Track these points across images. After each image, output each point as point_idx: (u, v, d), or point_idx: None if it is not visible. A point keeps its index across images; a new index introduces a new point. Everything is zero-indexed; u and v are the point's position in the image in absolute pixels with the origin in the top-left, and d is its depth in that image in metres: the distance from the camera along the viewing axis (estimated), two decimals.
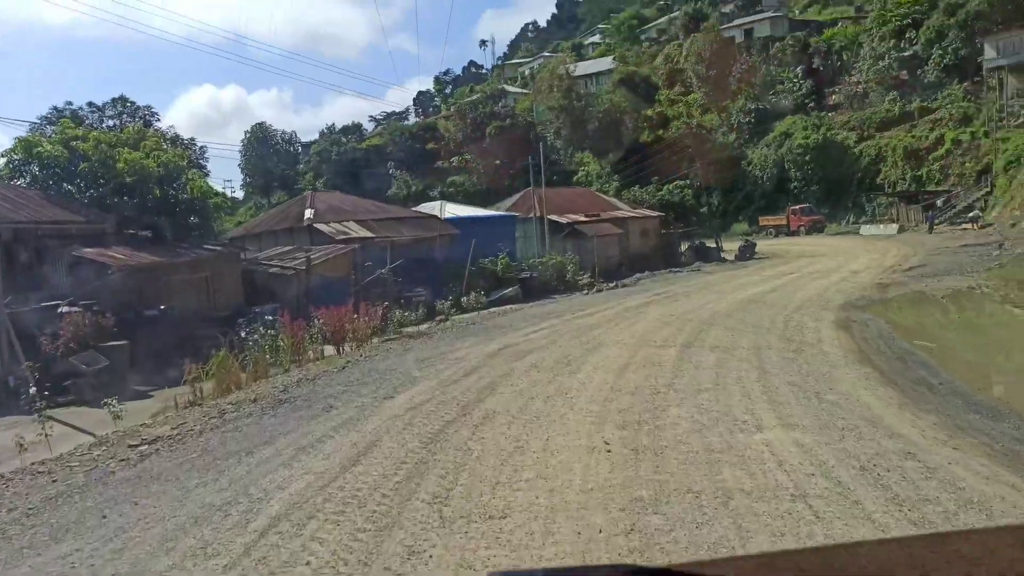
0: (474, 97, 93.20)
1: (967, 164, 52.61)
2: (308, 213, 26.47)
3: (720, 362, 12.15)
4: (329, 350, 17.61)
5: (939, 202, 50.18)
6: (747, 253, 39.22)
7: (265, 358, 15.43)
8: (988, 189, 48.08)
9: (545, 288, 30.31)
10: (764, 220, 61.22)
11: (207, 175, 31.09)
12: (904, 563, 1.23)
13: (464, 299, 24.55)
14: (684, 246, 40.79)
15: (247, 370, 14.89)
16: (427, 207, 35.21)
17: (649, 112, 78.96)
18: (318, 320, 17.46)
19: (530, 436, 8.27)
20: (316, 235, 25.80)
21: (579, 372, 11.79)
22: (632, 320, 17.64)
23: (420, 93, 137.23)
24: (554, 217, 35.27)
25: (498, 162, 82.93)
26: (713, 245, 41.02)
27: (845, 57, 69.47)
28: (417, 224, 29.83)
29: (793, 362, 12.09)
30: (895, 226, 49.69)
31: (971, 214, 41.24)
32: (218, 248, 22.26)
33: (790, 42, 72.83)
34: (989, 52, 53.86)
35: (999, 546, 1.34)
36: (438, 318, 22.76)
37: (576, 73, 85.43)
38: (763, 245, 42.41)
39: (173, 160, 22.74)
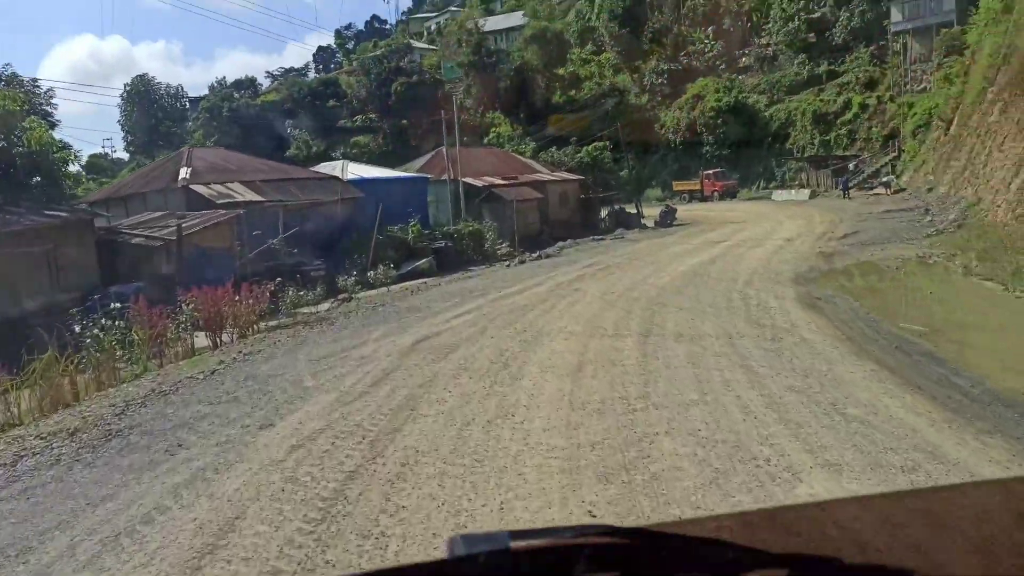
0: (378, 52, 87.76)
1: (873, 129, 52.90)
2: (183, 172, 22.45)
3: (693, 358, 9.76)
4: (204, 341, 14.24)
5: (851, 167, 50.21)
6: (668, 219, 37.55)
7: (114, 357, 11.99)
8: (896, 154, 48.38)
9: (462, 258, 27.47)
10: (678, 185, 60.15)
11: (55, 124, 26.12)
12: (878, 519, 1.26)
13: (371, 273, 21.40)
14: (604, 212, 38.71)
15: (88, 374, 11.46)
16: (327, 167, 31.39)
17: (561, 71, 76.35)
18: (187, 304, 14.02)
19: (473, 501, 5.53)
20: (193, 198, 21.89)
21: (523, 377, 9.10)
22: (570, 299, 15.09)
23: (320, 48, 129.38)
24: (469, 180, 32.29)
25: (405, 122, 78.61)
26: (633, 211, 39.14)
27: (755, 18, 68.87)
28: (316, 187, 26.20)
29: (779, 356, 9.83)
30: (806, 191, 49.43)
31: (884, 179, 41.06)
32: (63, 214, 18.13)
33: (701, 1, 71.53)
34: (895, 15, 54.00)
35: (973, 502, 1.37)
36: (340, 297, 19.58)
37: (486, 28, 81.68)
38: (681, 211, 40.86)
39: (3, 104, 18.26)
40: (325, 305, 19.00)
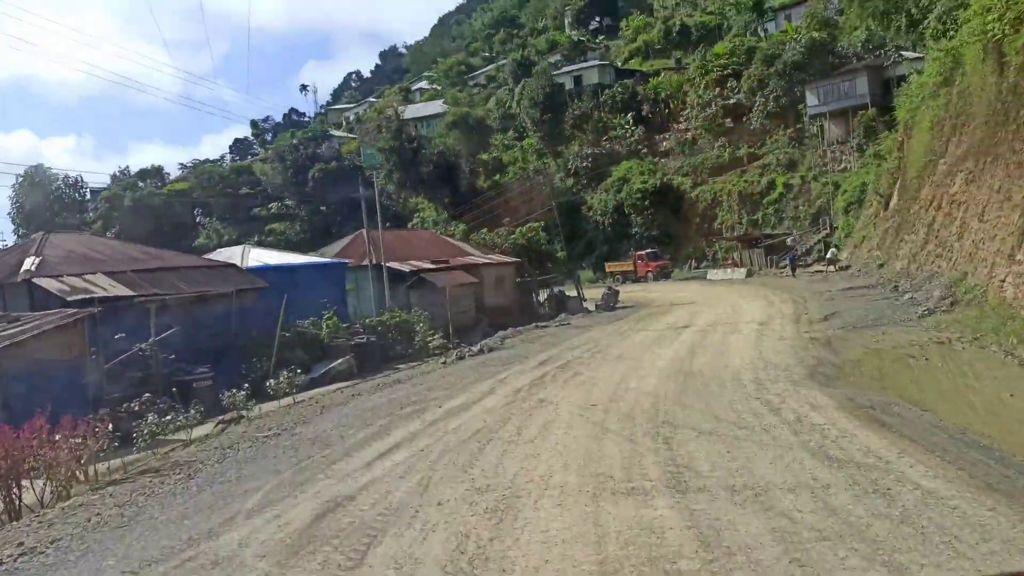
0: (295, 140, 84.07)
1: (800, 207, 52.16)
2: (28, 263, 17.41)
3: (786, 542, 5.66)
4: None
5: (791, 244, 48.77)
6: (611, 302, 34.21)
7: None
8: (827, 231, 47.31)
9: (388, 355, 22.95)
10: (611, 266, 57.64)
11: None
12: None
13: (271, 382, 16.61)
14: (543, 296, 35.08)
15: None
16: (225, 254, 26.61)
17: (484, 156, 74.38)
18: None
19: None
20: (39, 296, 16.80)
21: None
22: (539, 418, 10.86)
23: (237, 140, 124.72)
24: (395, 265, 28.11)
25: (323, 208, 74.36)
26: (573, 293, 35.66)
27: (672, 105, 69.12)
28: (208, 276, 21.40)
29: (920, 536, 5.85)
30: (742, 270, 47.52)
31: (829, 255, 39.27)
32: None
33: (619, 89, 71.55)
34: (811, 99, 54.36)
35: None
36: (227, 417, 14.72)
37: (405, 116, 79.47)
38: (627, 294, 37.75)
39: None
40: (205, 429, 14.09)
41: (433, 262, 29.40)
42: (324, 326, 21.23)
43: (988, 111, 22.29)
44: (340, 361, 20.19)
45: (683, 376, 13.67)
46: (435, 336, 24.81)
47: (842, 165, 53.07)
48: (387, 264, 26.64)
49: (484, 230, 40.62)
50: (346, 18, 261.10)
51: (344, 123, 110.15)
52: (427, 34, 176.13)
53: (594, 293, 41.94)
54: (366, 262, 28.08)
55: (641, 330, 22.95)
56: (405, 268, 27.61)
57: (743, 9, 77.90)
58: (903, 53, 51.15)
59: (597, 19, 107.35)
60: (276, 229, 73.59)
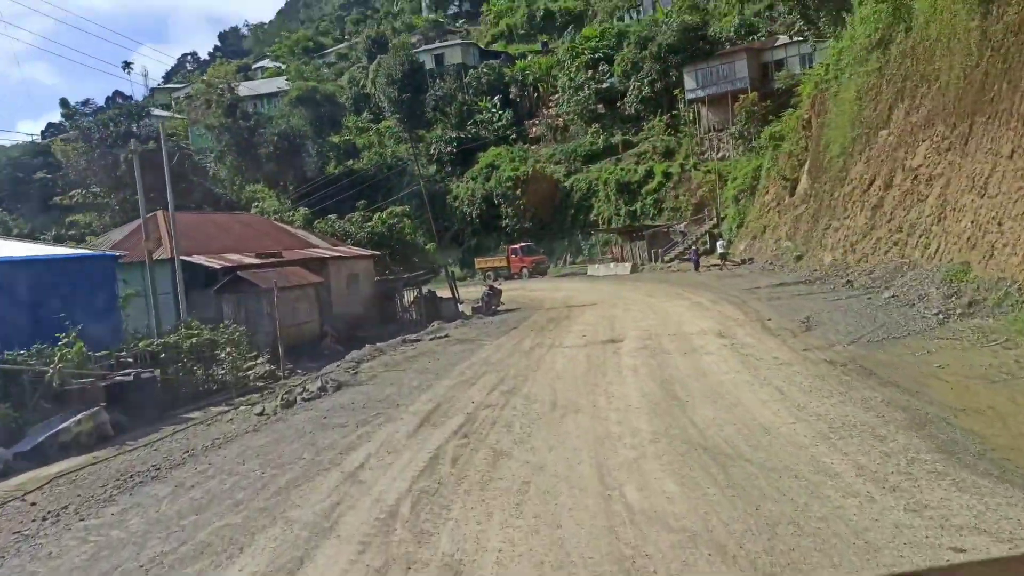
0: (106, 115, 70.38)
1: (681, 197, 48.15)
2: None
3: None
4: None
5: (685, 235, 44.28)
6: (492, 304, 27.49)
7: None
8: (714, 221, 43.37)
9: (176, 395, 14.72)
10: (481, 262, 51.03)
11: None
12: None
13: None
14: (410, 297, 27.67)
15: None
16: None
17: (336, 138, 65.31)
18: None
19: None
20: None
21: None
22: None
23: (51, 125, 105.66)
24: (201, 259, 19.69)
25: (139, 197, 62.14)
26: (447, 295, 28.56)
27: (542, 89, 63.68)
28: None
29: None
30: (627, 264, 42.51)
31: (720, 248, 34.69)
32: None
33: (484, 70, 65.16)
34: (689, 83, 50.46)
35: None
36: None
37: (243, 93, 68.58)
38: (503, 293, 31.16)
39: None
40: None
41: (260, 255, 21.24)
42: (58, 356, 12.74)
43: (969, 62, 17.60)
44: (79, 418, 11.85)
45: (710, 466, 7.01)
46: (258, 359, 16.84)
47: (720, 153, 49.73)
48: (187, 258, 18.21)
49: (333, 216, 32.30)
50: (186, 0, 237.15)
51: (174, 104, 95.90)
52: (273, 17, 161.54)
53: (467, 293, 35.11)
54: (162, 255, 19.49)
55: (553, 346, 16.27)
56: (215, 264, 19.26)
57: None
58: (780, 37, 48.57)
59: (456, 3, 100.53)
60: (80, 221, 60.47)
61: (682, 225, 44.49)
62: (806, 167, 30.87)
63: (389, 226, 28.96)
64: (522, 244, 49.21)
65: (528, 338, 18.28)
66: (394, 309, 26.19)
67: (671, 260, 42.24)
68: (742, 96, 46.37)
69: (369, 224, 29.14)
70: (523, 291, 36.33)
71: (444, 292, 30.36)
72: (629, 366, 12.59)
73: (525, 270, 47.33)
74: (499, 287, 28.43)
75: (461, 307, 28.65)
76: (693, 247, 36.82)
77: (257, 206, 61.63)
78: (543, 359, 14.56)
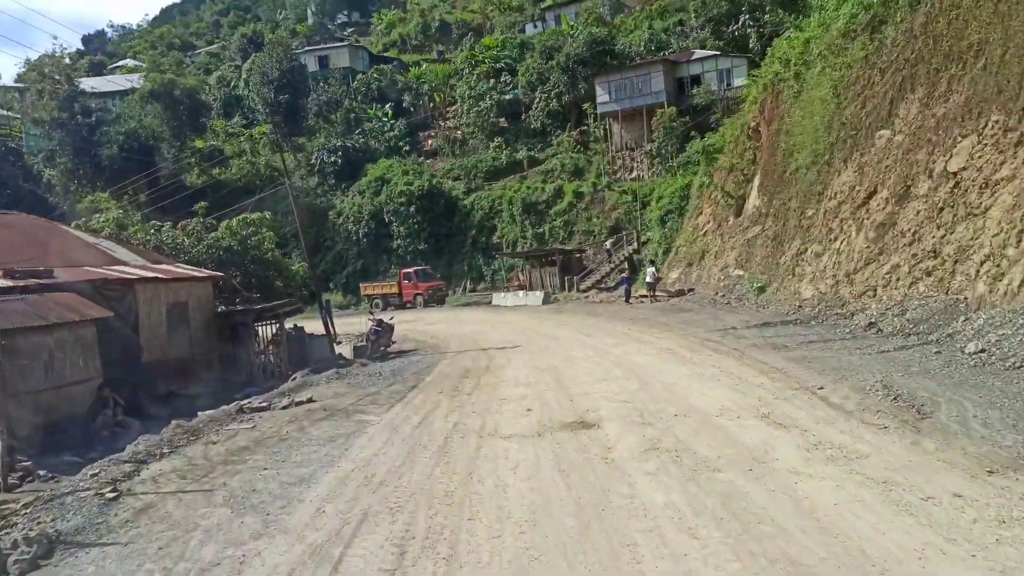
0: None
1: (594, 219, 42.86)
2: None
3: None
4: None
5: (606, 255, 38.58)
6: (382, 344, 20.43)
7: None
8: (634, 246, 38.15)
9: None
10: (368, 288, 43.44)
11: None
12: None
13: None
14: (266, 336, 20.01)
15: None
16: None
17: (199, 144, 55.82)
18: None
19: None
20: None
21: None
22: None
23: None
24: None
25: None
26: (322, 332, 21.15)
27: (438, 99, 57.30)
28: None
29: None
30: (538, 294, 36.39)
31: (648, 277, 29.02)
32: None
33: (375, 75, 58.04)
34: (601, 95, 45.56)
35: None
36: None
37: (87, 88, 57.85)
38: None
39: None
40: None
41: (7, 274, 13.23)
42: None
43: None
44: None
45: None
46: None
47: (634, 172, 45.08)
48: None
49: (165, 225, 23.73)
50: (49, 3, 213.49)
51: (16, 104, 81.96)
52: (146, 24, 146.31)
53: (350, 325, 27.75)
54: None
55: (485, 435, 9.53)
56: None
57: (507, 8, 69.40)
58: (696, 52, 44.80)
59: (345, 13, 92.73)
60: None
61: (609, 243, 38.99)
62: (755, 183, 25.98)
63: (241, 239, 21.30)
64: (417, 268, 42.16)
65: (438, 412, 11.40)
66: (244, 352, 18.54)
67: (588, 289, 36.56)
68: (659, 111, 41.96)
69: (214, 235, 21.35)
70: (420, 324, 29.35)
71: (318, 326, 22.89)
72: (667, 517, 6.04)
73: (420, 298, 40.26)
74: (390, 321, 21.33)
75: (339, 347, 21.36)
76: (624, 275, 30.99)
77: (99, 218, 51.24)
78: (475, 474, 7.77)
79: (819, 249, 19.52)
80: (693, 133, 40.04)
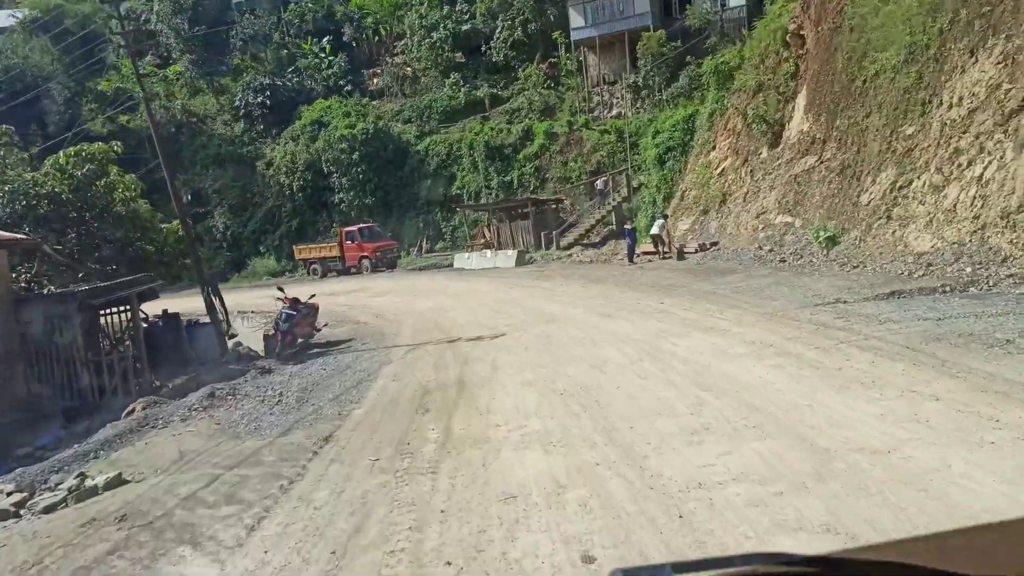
0: None
1: (571, 164, 36.05)
2: None
3: None
4: None
5: (599, 196, 31.84)
6: (299, 334, 13.60)
7: None
8: (623, 195, 31.52)
9: None
10: (303, 251, 35.99)
11: None
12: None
13: None
14: (114, 329, 12.94)
15: None
16: None
17: (104, 86, 46.84)
18: None
19: None
20: None
21: None
22: None
23: None
24: None
25: None
26: (208, 320, 14.12)
27: (384, 32, 49.09)
28: None
29: None
30: (511, 253, 29.62)
31: (655, 230, 22.25)
32: None
33: (310, 4, 49.44)
34: (575, 19, 38.25)
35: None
36: None
37: None
38: (323, 300, 17.27)
39: None
40: None
41: None
42: None
43: None
44: None
45: None
46: None
47: (615, 111, 38.31)
48: None
49: None
50: None
51: None
52: None
53: (265, 301, 20.74)
54: None
55: None
56: None
57: None
58: None
59: None
60: None
61: (600, 181, 32.33)
62: (799, 101, 19.51)
63: (75, 183, 13.88)
64: (361, 225, 34.84)
65: (360, 558, 4.73)
66: (63, 361, 11.49)
67: (570, 246, 29.99)
68: (644, 35, 35.03)
69: (27, 175, 13.87)
70: (362, 296, 22.46)
71: (211, 319, 15.76)
72: None
73: (366, 261, 33.09)
74: (312, 301, 14.43)
75: (237, 343, 14.39)
76: (626, 225, 23.93)
77: None
78: None
79: (938, 180, 13.17)
80: (689, 58, 33.36)
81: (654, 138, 28.27)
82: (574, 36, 38.28)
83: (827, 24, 18.40)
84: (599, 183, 32.10)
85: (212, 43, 44.74)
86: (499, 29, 42.25)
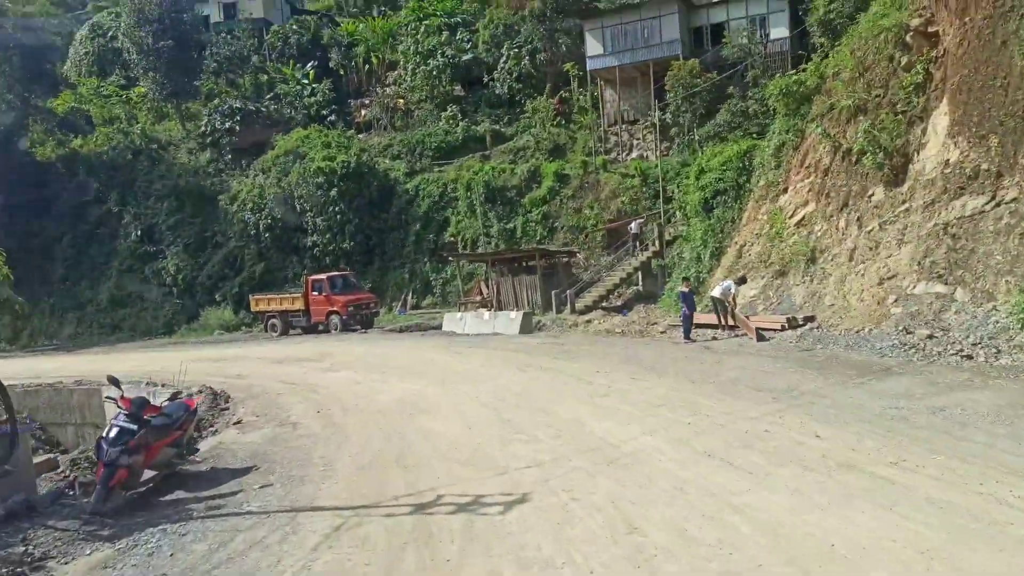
0: None
1: (586, 211, 30.26)
2: None
3: None
4: None
5: (633, 241, 25.72)
6: (133, 471, 7.24)
7: None
8: (656, 248, 25.55)
9: None
10: (259, 301, 29.52)
11: None
12: None
13: None
14: None
15: None
16: None
17: (56, 106, 41.21)
18: None
19: None
20: None
21: None
22: None
23: None
24: None
25: None
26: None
27: (375, 61, 43.94)
28: None
29: None
30: (514, 315, 23.32)
31: (718, 293, 15.80)
32: None
33: (295, 27, 44.38)
34: (592, 46, 32.99)
35: None
36: None
37: None
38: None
39: None
40: None
41: None
42: None
43: None
44: None
45: None
46: None
47: (634, 153, 32.87)
48: None
49: None
50: None
51: None
52: None
53: (200, 367, 14.38)
54: None
55: None
56: None
57: None
58: None
59: None
60: None
61: (635, 223, 26.41)
62: (935, 122, 13.71)
63: None
64: (333, 274, 28.51)
65: None
66: None
67: (588, 309, 23.83)
68: (675, 64, 29.79)
69: None
70: (317, 369, 16.07)
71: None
72: None
73: (335, 318, 26.70)
74: (183, 399, 8.19)
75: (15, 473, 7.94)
76: (682, 286, 16.68)
77: None
78: None
79: None
80: (731, 90, 28.06)
81: (697, 179, 22.45)
82: (590, 65, 33.00)
83: (981, 11, 12.76)
84: (633, 226, 26.18)
85: (182, 64, 39.29)
86: (504, 59, 37.20)
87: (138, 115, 41.36)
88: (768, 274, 17.47)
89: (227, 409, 12.45)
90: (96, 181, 37.03)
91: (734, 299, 15.87)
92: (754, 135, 24.10)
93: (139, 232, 35.70)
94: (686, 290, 15.84)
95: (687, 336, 15.38)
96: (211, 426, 11.05)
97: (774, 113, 20.46)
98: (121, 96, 41.74)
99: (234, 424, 11.02)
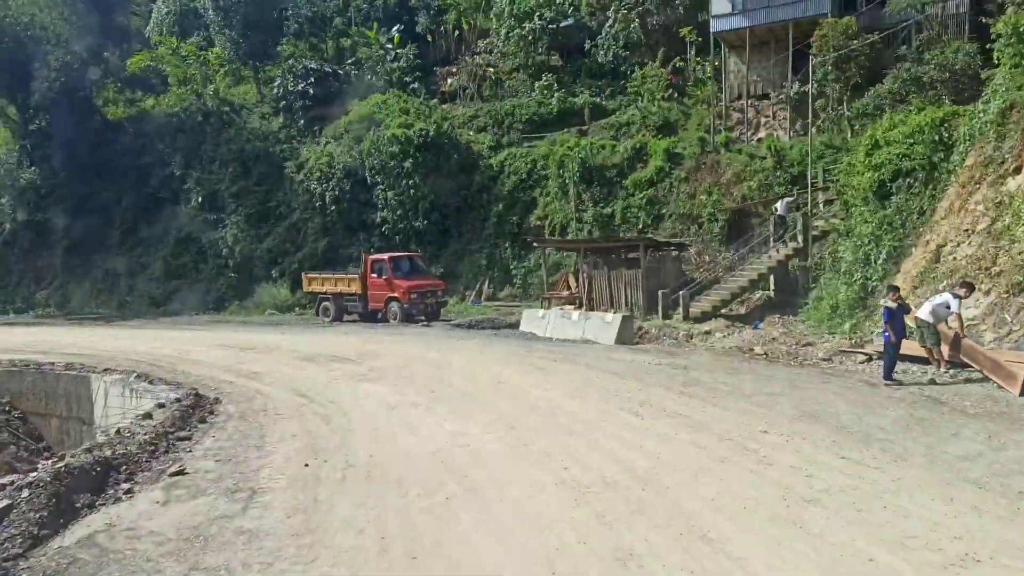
0: None
1: (702, 197, 24.84)
2: None
3: None
4: None
5: (778, 224, 20.26)
6: None
7: None
8: (799, 244, 20.04)
9: None
10: (313, 281, 25.64)
11: None
12: None
13: None
14: None
15: None
16: None
17: (131, 65, 39.21)
18: None
19: None
20: None
21: None
22: None
23: None
24: None
25: None
26: None
27: (466, 28, 39.73)
28: None
29: None
30: (611, 319, 18.34)
31: (926, 315, 10.41)
32: None
33: None
34: (719, 4, 27.39)
35: None
36: None
37: None
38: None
39: None
40: None
41: None
42: None
43: None
44: None
45: None
46: None
47: (761, 132, 27.20)
48: None
49: None
50: None
51: None
52: None
53: (273, 364, 10.40)
54: None
55: None
56: None
57: None
58: None
59: None
60: None
61: (781, 203, 20.94)
62: None
63: None
64: (397, 254, 24.34)
65: None
66: None
67: (705, 316, 18.60)
68: (823, 22, 23.91)
69: None
70: (350, 374, 11.74)
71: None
72: None
73: (396, 306, 22.54)
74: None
75: None
76: (885, 299, 10.81)
77: None
78: None
79: None
80: (903, 50, 22.06)
81: (868, 156, 16.73)
82: (715, 27, 27.32)
83: None
84: (780, 206, 20.68)
85: (259, 23, 36.31)
86: (609, 23, 32.07)
87: (215, 77, 38.76)
88: (997, 287, 11.82)
89: (189, 439, 8.23)
90: (162, 143, 34.54)
91: (960, 322, 10.40)
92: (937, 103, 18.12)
93: (200, 199, 32.91)
94: (893, 305, 10.39)
95: (888, 376, 10.04)
96: (133, 475, 6.78)
97: (997, 63, 14.56)
98: (199, 57, 39.25)
99: (171, 474, 6.74)
